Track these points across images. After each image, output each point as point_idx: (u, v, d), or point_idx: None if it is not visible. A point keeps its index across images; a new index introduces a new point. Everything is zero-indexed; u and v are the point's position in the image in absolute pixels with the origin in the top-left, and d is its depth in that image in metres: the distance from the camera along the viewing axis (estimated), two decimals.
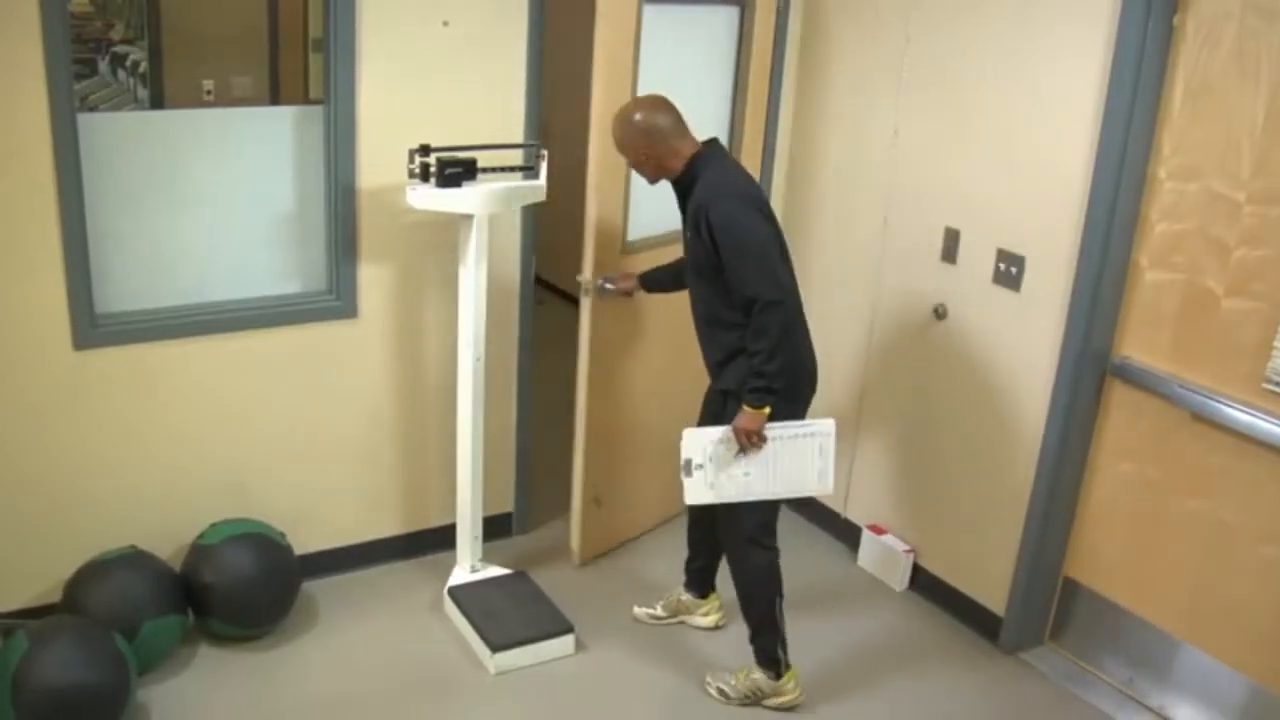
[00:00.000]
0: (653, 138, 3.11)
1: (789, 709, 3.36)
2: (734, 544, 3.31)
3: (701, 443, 3.15)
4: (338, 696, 3.31)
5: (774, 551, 3.30)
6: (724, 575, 3.61)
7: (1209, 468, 3.19)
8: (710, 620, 3.71)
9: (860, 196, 4.03)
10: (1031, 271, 3.48)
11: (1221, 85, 3.05)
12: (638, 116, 3.12)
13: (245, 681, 3.33)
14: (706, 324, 3.22)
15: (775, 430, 3.12)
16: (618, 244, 3.78)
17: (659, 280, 3.56)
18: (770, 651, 3.34)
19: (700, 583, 3.71)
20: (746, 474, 3.15)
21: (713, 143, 3.17)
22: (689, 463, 3.15)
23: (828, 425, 3.18)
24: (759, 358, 3.00)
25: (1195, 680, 3.31)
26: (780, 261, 3.08)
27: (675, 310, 3.84)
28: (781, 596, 3.31)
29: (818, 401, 3.30)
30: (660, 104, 3.15)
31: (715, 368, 3.25)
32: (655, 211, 3.79)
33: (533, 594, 3.68)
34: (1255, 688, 3.16)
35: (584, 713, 3.32)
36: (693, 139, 3.15)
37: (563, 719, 3.31)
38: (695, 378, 3.43)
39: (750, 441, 3.09)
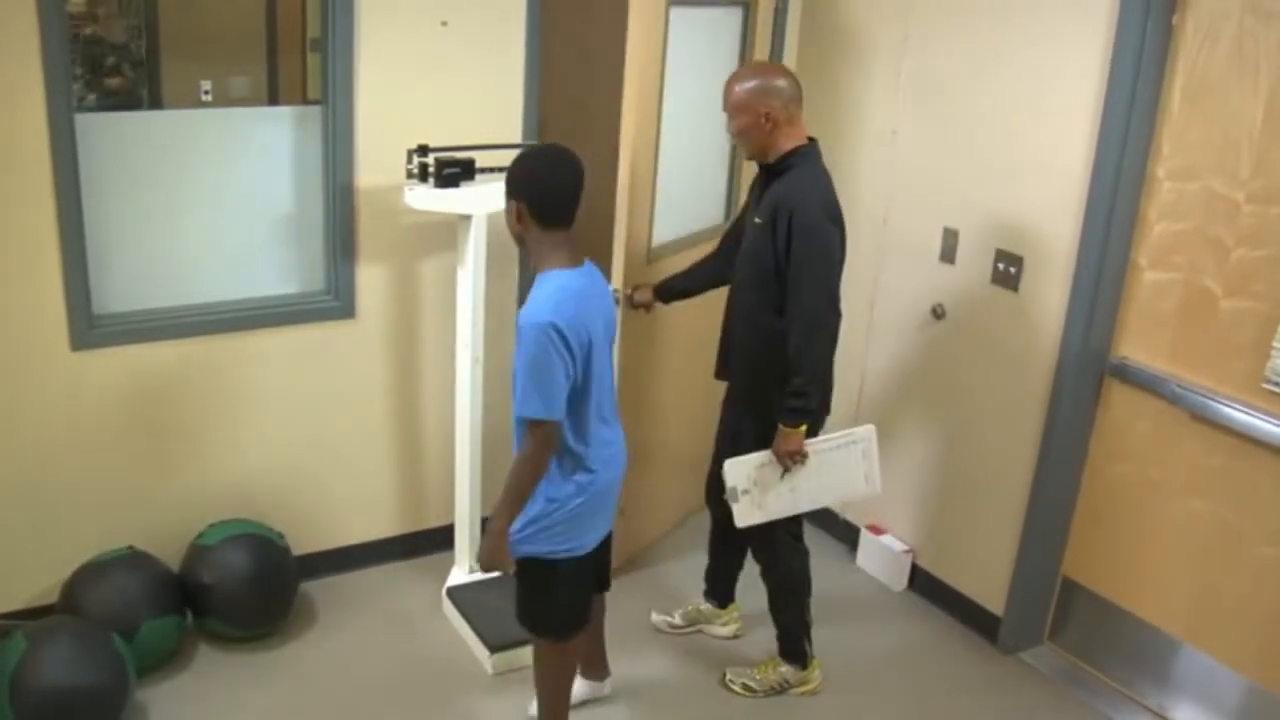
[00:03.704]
0: (781, 97, 2.98)
1: (812, 694, 3.45)
2: (770, 546, 3.31)
3: (745, 470, 3.15)
4: (336, 697, 3.31)
5: (807, 552, 3.35)
6: (743, 585, 3.64)
7: (1208, 468, 3.19)
8: (729, 630, 3.69)
9: (859, 196, 4.02)
10: (1030, 271, 3.47)
11: (1221, 85, 3.05)
12: (767, 76, 3.03)
13: (243, 682, 3.33)
14: (745, 323, 3.18)
15: (815, 445, 3.12)
16: (644, 253, 3.70)
17: (676, 288, 3.51)
18: (798, 646, 3.41)
19: (721, 592, 3.69)
20: (793, 489, 3.16)
21: (815, 141, 3.10)
22: (734, 490, 3.16)
23: (867, 431, 3.18)
24: (800, 379, 2.98)
25: (1194, 680, 3.31)
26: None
27: (692, 317, 3.84)
28: (810, 594, 3.37)
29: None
30: (786, 70, 3.11)
31: (742, 372, 3.21)
32: (676, 215, 3.79)
33: None
34: (1254, 688, 3.15)
35: (582, 712, 3.31)
36: (803, 126, 3.08)
37: None
38: (713, 387, 3.43)
39: (793, 461, 3.09)
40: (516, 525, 2.73)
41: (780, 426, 3.06)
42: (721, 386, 3.39)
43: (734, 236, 3.34)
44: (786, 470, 3.12)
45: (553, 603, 2.86)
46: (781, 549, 3.31)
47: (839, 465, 3.16)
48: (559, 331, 2.51)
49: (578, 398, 2.64)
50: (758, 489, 3.16)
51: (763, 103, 2.98)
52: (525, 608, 2.90)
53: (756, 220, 3.07)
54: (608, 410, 2.79)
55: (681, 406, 4.06)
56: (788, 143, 3.03)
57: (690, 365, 3.91)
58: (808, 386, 2.99)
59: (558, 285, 2.60)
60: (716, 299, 3.39)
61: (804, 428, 3.06)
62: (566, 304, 2.55)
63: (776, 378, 3.04)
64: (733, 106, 3.03)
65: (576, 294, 2.60)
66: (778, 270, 3.00)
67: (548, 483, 2.70)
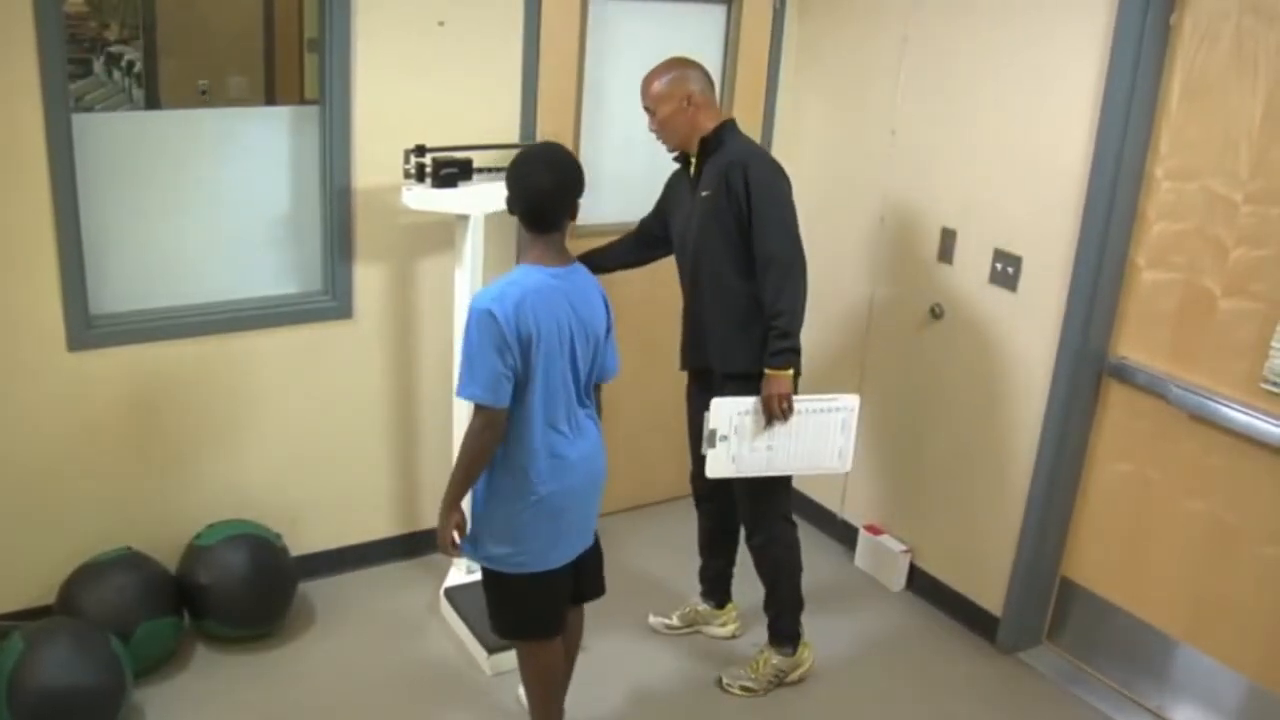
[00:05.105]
0: (699, 82, 3.15)
1: (804, 678, 3.47)
2: (768, 524, 3.33)
3: (729, 413, 3.12)
4: (334, 697, 3.31)
5: (796, 527, 3.40)
6: (740, 584, 3.64)
7: (1206, 468, 3.19)
8: (727, 630, 3.69)
9: (857, 196, 4.03)
10: (1028, 271, 3.47)
11: (1219, 84, 3.04)
12: (680, 67, 3.17)
13: (241, 683, 3.33)
14: (715, 294, 3.19)
15: (801, 403, 3.13)
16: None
17: (595, 262, 3.49)
18: (792, 628, 3.43)
19: (718, 591, 3.70)
20: (769, 447, 3.15)
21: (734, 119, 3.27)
22: (713, 434, 3.12)
23: (852, 401, 3.20)
24: (784, 318, 3.04)
25: (1193, 680, 3.31)
26: None
27: (645, 290, 3.90)
28: (802, 572, 3.41)
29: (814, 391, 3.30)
30: (695, 62, 3.24)
31: (719, 348, 3.22)
32: (605, 201, 3.86)
33: None
34: (1253, 687, 3.15)
35: (580, 711, 3.31)
36: (719, 109, 3.24)
37: None
38: (672, 373, 3.46)
39: (781, 408, 3.09)
40: (470, 523, 2.76)
41: (767, 372, 3.08)
42: (682, 374, 3.43)
43: (650, 229, 3.45)
44: (772, 418, 3.11)
45: (507, 609, 2.83)
46: (777, 526, 3.33)
47: (818, 431, 3.17)
48: (493, 318, 2.53)
49: (518, 396, 2.61)
50: (736, 437, 3.13)
51: (682, 88, 3.15)
52: (488, 606, 2.88)
53: (704, 193, 3.15)
54: (563, 419, 2.68)
55: (639, 385, 4.07)
56: (710, 122, 3.18)
57: (646, 343, 3.96)
58: (791, 326, 3.05)
59: (511, 279, 2.63)
60: (669, 281, 3.41)
61: (791, 371, 3.08)
62: (510, 295, 2.56)
63: (759, 334, 3.10)
64: (654, 99, 3.17)
65: (533, 290, 2.59)
66: (740, 229, 3.10)
67: (492, 487, 2.69)
